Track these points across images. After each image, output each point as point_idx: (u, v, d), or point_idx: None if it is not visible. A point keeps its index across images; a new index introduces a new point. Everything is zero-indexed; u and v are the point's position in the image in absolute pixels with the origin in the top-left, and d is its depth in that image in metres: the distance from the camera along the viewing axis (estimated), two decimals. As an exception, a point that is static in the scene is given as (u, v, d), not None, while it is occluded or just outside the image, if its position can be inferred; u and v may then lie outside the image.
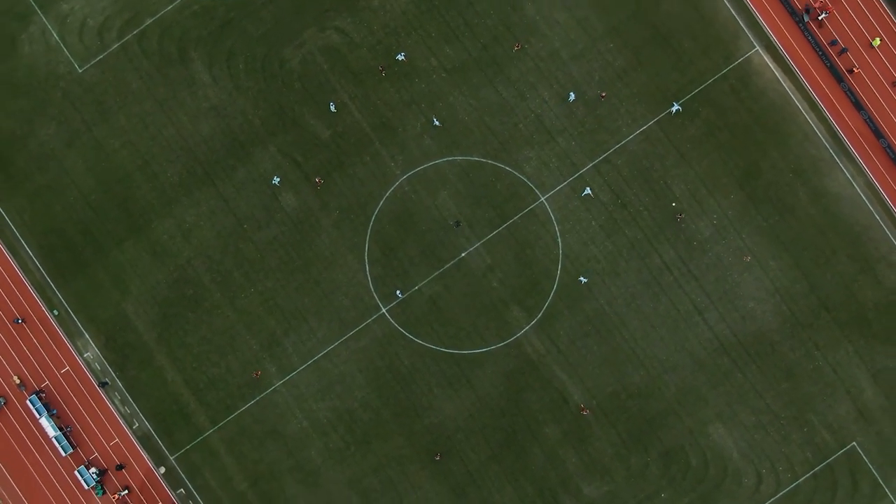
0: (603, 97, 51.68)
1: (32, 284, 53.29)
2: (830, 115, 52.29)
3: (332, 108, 52.23)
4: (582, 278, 51.67)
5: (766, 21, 52.36)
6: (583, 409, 51.68)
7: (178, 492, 52.95)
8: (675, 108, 51.30)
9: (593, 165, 52.23)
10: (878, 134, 52.10)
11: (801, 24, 52.16)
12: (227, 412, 52.64)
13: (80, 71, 53.08)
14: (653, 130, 52.20)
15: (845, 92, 52.19)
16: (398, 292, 52.00)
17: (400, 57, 52.13)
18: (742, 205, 52.24)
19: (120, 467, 52.88)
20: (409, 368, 52.59)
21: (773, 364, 51.98)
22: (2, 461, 52.82)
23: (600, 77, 52.21)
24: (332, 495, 52.36)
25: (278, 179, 52.13)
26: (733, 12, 52.43)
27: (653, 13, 52.52)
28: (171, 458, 52.95)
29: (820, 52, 52.14)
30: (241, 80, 52.95)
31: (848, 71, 51.97)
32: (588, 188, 51.69)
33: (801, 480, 51.45)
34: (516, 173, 52.35)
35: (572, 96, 51.98)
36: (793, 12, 52.30)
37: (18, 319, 52.99)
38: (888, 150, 52.13)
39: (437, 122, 52.05)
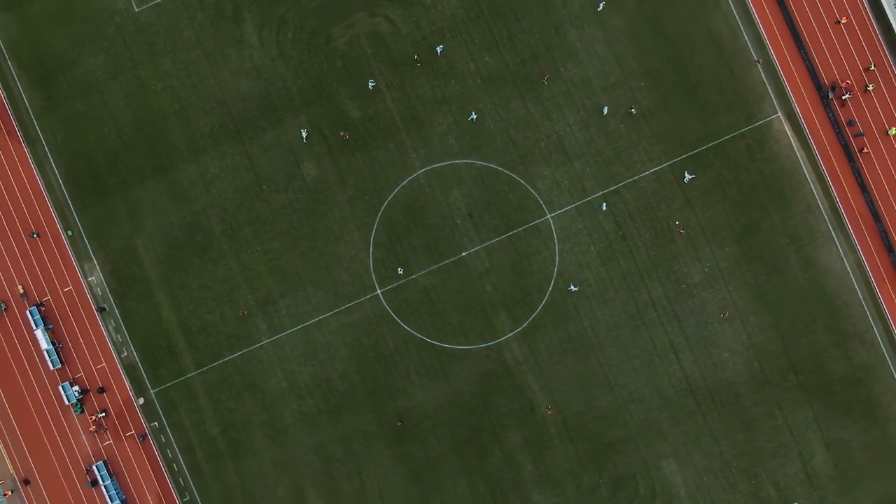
0: (633, 112, 53.54)
1: (53, 203, 55.48)
2: (835, 191, 54.48)
3: (370, 86, 54.26)
4: (572, 286, 53.86)
5: (793, 90, 54.53)
6: (548, 409, 53.91)
7: (151, 424, 55.27)
8: (688, 177, 53.45)
9: (603, 194, 54.44)
10: (876, 217, 54.32)
11: (824, 100, 54.35)
12: (212, 358, 54.94)
13: (137, 10, 55.22)
14: (665, 172, 54.41)
15: (854, 172, 54.39)
16: (399, 269, 54.12)
17: (438, 49, 54.22)
18: (735, 259, 54.47)
19: (101, 391, 55.17)
20: (392, 351, 54.88)
21: (734, 414, 54.27)
22: (-8, 363, 55.20)
23: (626, 112, 54.36)
24: (296, 455, 54.70)
25: (306, 133, 53.96)
26: (763, 76, 54.59)
27: (687, 62, 54.67)
28: (152, 391, 55.25)
29: (837, 130, 54.35)
30: (287, 49, 55.12)
31: (859, 150, 54.13)
32: (605, 203, 53.81)
33: (739, 528, 53.87)
34: (529, 187, 54.56)
35: (606, 110, 54.01)
36: (819, 87, 54.47)
37: (34, 233, 55.21)
38: (883, 235, 54.34)
39: (473, 116, 54.08)
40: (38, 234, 55.26)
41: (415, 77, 54.73)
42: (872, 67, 53.90)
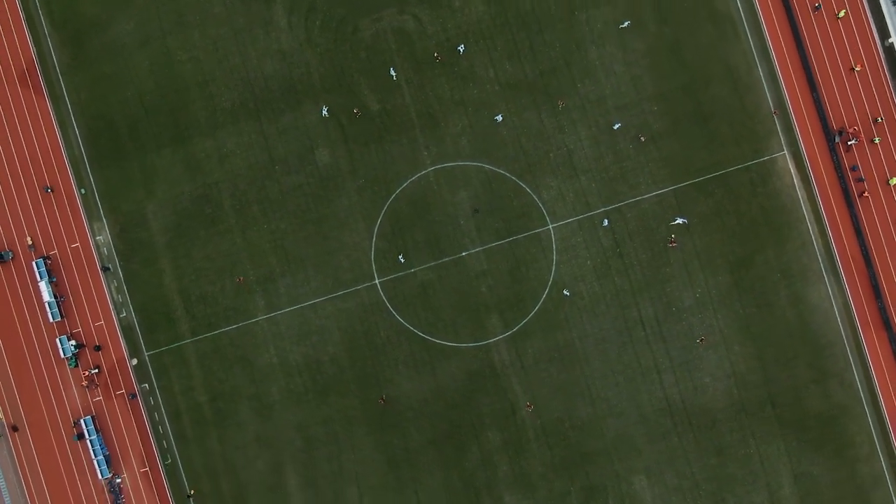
0: (642, 139, 54.89)
1: (70, 159, 56.75)
2: (831, 233, 55.77)
3: (392, 74, 55.38)
4: (566, 291, 55.14)
5: (801, 130, 55.79)
6: (528, 406, 55.15)
7: (142, 385, 56.58)
8: (679, 220, 54.85)
9: (605, 210, 55.74)
10: (868, 262, 55.62)
11: (830, 143, 55.63)
12: (208, 328, 56.24)
13: (172, -19, 56.54)
14: (668, 196, 55.70)
15: (851, 216, 55.69)
16: (400, 257, 55.32)
17: (460, 49, 55.40)
18: (727, 288, 55.77)
19: (97, 348, 56.45)
20: (384, 341, 56.18)
21: (709, 438, 55.61)
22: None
23: (635, 131, 55.64)
24: (279, 431, 56.03)
25: (326, 110, 55.16)
26: (773, 106, 55.82)
27: (701, 91, 55.92)
28: (146, 353, 56.55)
29: (839, 174, 55.64)
30: (314, 35, 56.35)
31: (859, 194, 55.37)
32: (606, 220, 55.13)
33: (701, 549, 55.27)
34: (534, 196, 55.84)
35: (618, 125, 55.31)
36: (827, 130, 55.75)
37: (48, 188, 56.48)
38: (873, 281, 55.65)
39: (499, 119, 55.30)
40: (51, 189, 56.52)
41: (435, 77, 55.97)
42: (881, 119, 55.15)
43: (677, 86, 56.06)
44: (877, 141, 55.15)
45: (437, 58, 55.73)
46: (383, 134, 56.36)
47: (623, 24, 55.62)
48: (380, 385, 55.93)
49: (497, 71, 56.18)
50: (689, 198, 55.87)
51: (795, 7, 55.66)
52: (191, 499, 55.84)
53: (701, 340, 55.18)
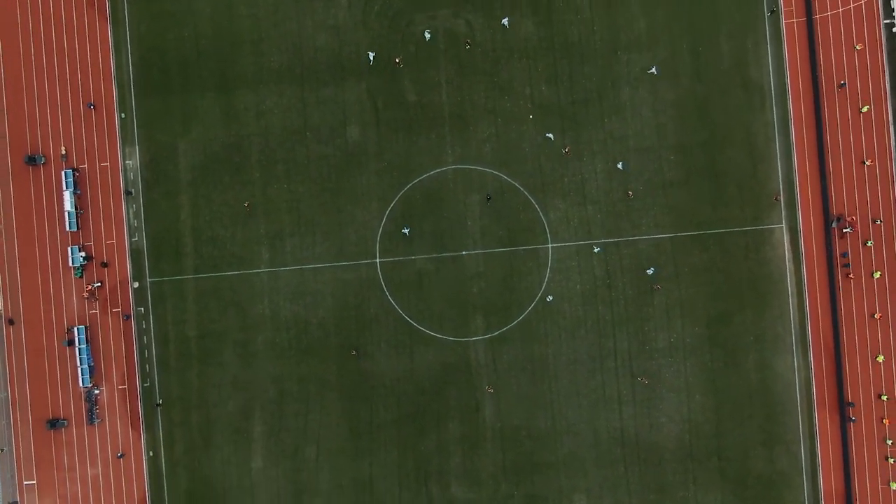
0: (630, 195, 57.84)
1: (117, 83, 59.55)
2: (809, 311, 58.64)
3: (426, 35, 57.95)
4: (549, 297, 58.04)
5: (802, 208, 58.65)
6: (489, 389, 57.98)
7: (138, 308, 59.46)
8: (650, 271, 58.06)
9: (604, 242, 58.59)
10: (837, 346, 58.45)
11: (827, 227, 58.49)
12: (212, 269, 59.13)
13: (248, -62, 59.35)
14: (665, 242, 58.57)
15: (831, 300, 58.56)
16: (404, 229, 58.07)
17: (504, 21, 58.23)
18: (701, 340, 58.66)
19: (104, 265, 59.32)
20: (372, 317, 59.08)
21: (653, 475, 58.55)
22: (16, 206, 59.21)
23: (647, 177, 58.51)
24: (256, 379, 58.97)
25: (373, 56, 57.63)
26: (781, 182, 58.72)
27: (718, 151, 58.74)
28: (148, 279, 59.45)
29: (829, 257, 58.51)
30: (370, 19, 59.15)
31: (844, 276, 58.13)
32: (598, 247, 58.01)
33: (622, 576, 58.24)
34: (541, 214, 58.70)
35: (621, 166, 58.16)
36: (827, 214, 58.61)
37: (91, 104, 59.30)
38: (837, 364, 58.48)
39: (549, 136, 58.17)
40: (93, 106, 59.29)
41: (474, 83, 58.80)
42: (879, 222, 57.96)
43: (697, 140, 58.87)
44: (869, 244, 57.96)
45: (467, 44, 58.18)
46: (413, 125, 59.17)
47: (651, 69, 58.36)
48: (359, 357, 58.81)
49: (533, 90, 58.99)
50: (684, 248, 58.73)
51: (822, 85, 58.41)
52: (159, 407, 58.57)
53: (641, 379, 57.98)
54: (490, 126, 58.97)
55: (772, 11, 58.63)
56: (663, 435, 58.63)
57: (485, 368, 58.88)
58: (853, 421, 58.14)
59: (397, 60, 58.35)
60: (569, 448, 58.68)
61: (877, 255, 58.53)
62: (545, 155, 58.79)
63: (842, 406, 58.62)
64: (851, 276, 58.15)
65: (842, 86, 58.24)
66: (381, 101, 59.16)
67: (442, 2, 58.96)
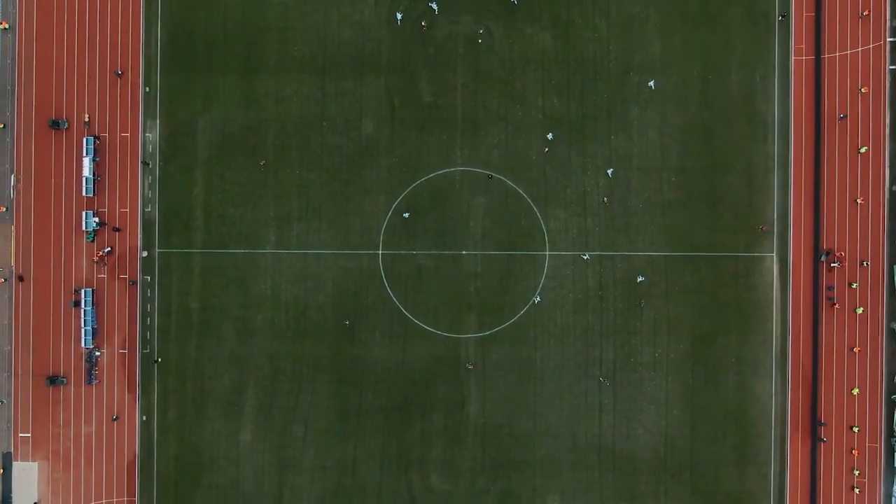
0: (605, 201, 60.02)
1: (144, 57, 61.40)
2: (791, 339, 60.64)
3: (433, 7, 59.92)
4: (537, 298, 59.99)
5: (794, 240, 60.61)
6: (469, 366, 59.96)
7: (145, 276, 61.38)
8: (640, 279, 59.95)
9: (599, 255, 60.55)
10: (815, 375, 60.45)
11: (816, 260, 60.46)
12: (219, 245, 61.07)
13: (285, -70, 61.22)
14: (659, 260, 60.53)
15: (813, 330, 60.55)
16: (405, 214, 60.00)
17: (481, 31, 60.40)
18: (684, 357, 60.65)
19: (117, 229, 61.23)
20: (369, 306, 61.05)
21: (626, 483, 60.56)
22: (36, 167, 61.09)
23: (647, 196, 60.45)
24: (251, 356, 60.94)
25: (401, 16, 59.11)
26: (776, 213, 60.65)
27: (719, 177, 60.67)
28: (157, 249, 61.37)
29: (815, 289, 60.47)
30: (393, 20, 61.01)
31: (828, 307, 60.09)
32: (587, 255, 60.00)
33: (587, 577, 60.31)
34: (541, 221, 60.66)
35: (610, 173, 60.11)
36: (817, 247, 60.58)
37: (119, 72, 61.14)
38: (814, 393, 60.48)
39: (549, 136, 60.06)
40: (121, 74, 61.00)
41: (488, 90, 60.70)
42: (866, 264, 59.89)
43: (699, 165, 60.79)
44: (854, 286, 59.97)
45: (480, 39, 60.24)
46: (427, 125, 61.07)
47: (650, 82, 60.11)
48: (353, 343, 60.85)
49: (545, 101, 60.89)
50: (677, 267, 60.68)
51: (825, 123, 60.32)
52: (156, 364, 60.72)
53: (604, 381, 60.05)
54: (500, 132, 60.88)
55: (783, 16, 60.31)
56: (639, 445, 60.63)
57: (473, 366, 60.78)
58: (824, 441, 60.08)
59: (423, 24, 59.97)
60: (547, 450, 60.68)
61: (861, 292, 60.49)
62: (550, 165, 60.72)
63: (814, 433, 60.62)
64: (836, 305, 60.01)
65: (842, 118, 60.06)
66: (397, 99, 61.05)
67: (465, 9, 60.81)
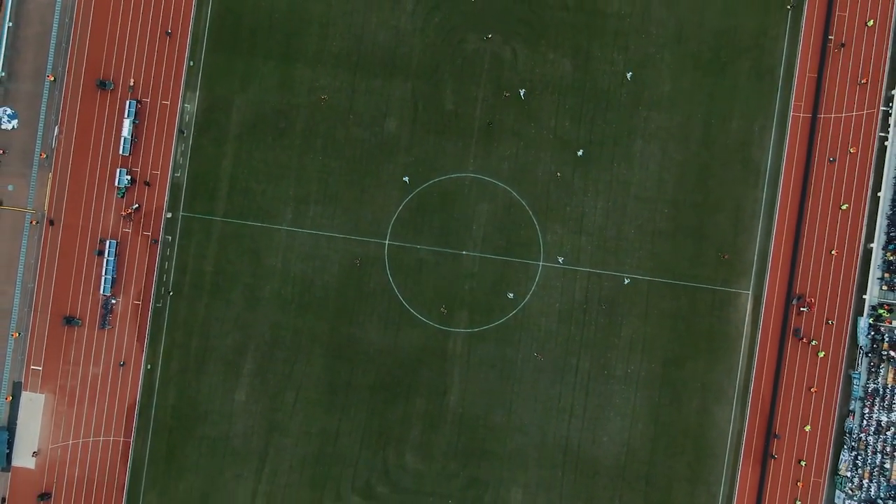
0: (558, 176, 64.09)
1: (193, 32, 65.81)
2: (755, 372, 65.22)
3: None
4: (510, 294, 64.61)
5: (770, 281, 65.15)
6: (442, 309, 64.52)
7: (166, 236, 65.89)
8: (627, 280, 64.60)
9: (588, 272, 65.14)
10: (772, 408, 65.06)
11: (787, 303, 65.08)
12: (239, 216, 65.60)
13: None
14: (642, 283, 65.13)
15: (776, 366, 65.16)
16: (405, 178, 64.58)
17: (521, 92, 64.69)
18: (654, 376, 65.27)
19: (147, 183, 65.68)
20: (370, 291, 65.60)
21: (584, 485, 65.22)
22: (79, 122, 65.50)
23: (640, 223, 65.00)
24: (255, 322, 65.53)
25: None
26: (756, 254, 65.22)
27: (708, 214, 65.20)
28: (181, 213, 65.89)
29: (783, 329, 65.09)
30: (428, 28, 65.48)
31: (794, 332, 64.61)
32: (562, 258, 64.61)
33: (538, 566, 65.02)
34: (539, 234, 65.22)
35: (581, 153, 64.73)
36: (791, 291, 65.15)
37: (168, 32, 65.41)
38: (769, 424, 65.07)
39: (579, 152, 64.49)
40: (170, 34, 65.19)
41: (506, 106, 65.20)
42: (831, 322, 64.48)
43: (691, 201, 65.35)
44: (813, 343, 64.60)
45: (505, 96, 64.79)
46: (445, 130, 65.59)
47: (628, 73, 64.58)
48: (350, 323, 65.44)
49: (557, 123, 65.44)
50: (658, 292, 65.27)
51: (813, 177, 64.84)
52: (170, 295, 65.36)
53: (538, 355, 64.56)
54: (512, 146, 65.41)
55: (791, 6, 64.55)
56: (602, 451, 65.27)
57: (458, 358, 65.44)
58: (774, 458, 64.66)
59: (506, 94, 64.94)
60: (516, 444, 65.31)
61: (825, 338, 65.04)
62: (555, 183, 65.27)
63: (764, 461, 65.27)
64: (804, 338, 64.41)
65: (832, 161, 64.48)
66: (421, 103, 65.54)
67: (495, 26, 65.29)
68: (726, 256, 64.78)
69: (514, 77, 65.48)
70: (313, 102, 65.57)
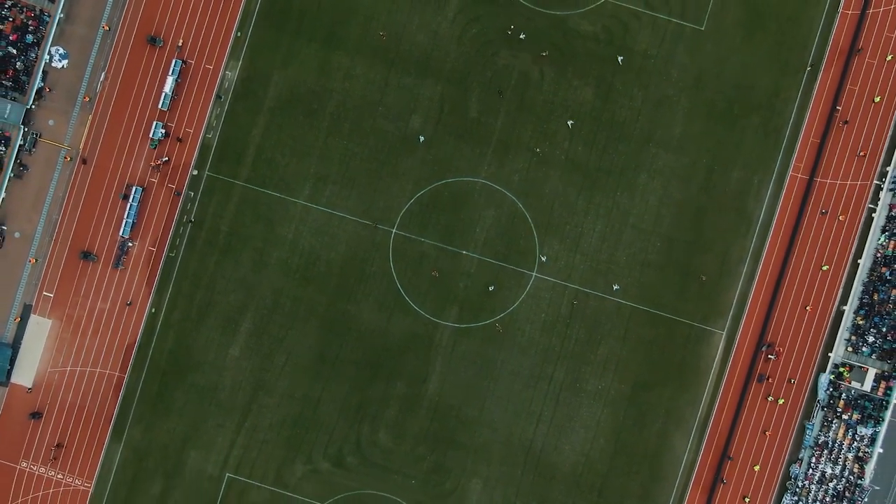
0: (616, 288, 68.37)
1: (243, 9, 69.52)
2: (716, 408, 69.17)
3: (499, 93, 68.08)
4: (491, 287, 68.53)
5: (744, 326, 69.11)
6: (433, 273, 68.18)
7: (189, 192, 69.74)
8: (616, 288, 68.47)
9: (577, 288, 69.09)
10: (727, 443, 69.07)
11: (757, 348, 69.07)
12: (260, 184, 69.48)
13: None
14: (626, 308, 69.07)
15: (737, 407, 69.11)
16: (420, 137, 68.47)
17: (569, 123, 68.54)
18: (622, 397, 69.24)
19: (179, 140, 69.54)
20: (371, 273, 69.52)
21: (541, 486, 69.19)
22: (125, 72, 69.38)
23: (633, 252, 68.92)
24: (259, 285, 69.43)
25: None
26: (736, 298, 69.13)
27: (697, 254, 69.05)
28: (206, 172, 69.73)
29: (749, 373, 69.07)
30: (465, 38, 69.33)
31: (759, 377, 68.59)
32: (545, 257, 68.52)
33: (485, 555, 69.05)
34: (537, 245, 69.13)
35: (570, 123, 68.68)
36: (762, 338, 69.13)
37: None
38: (721, 458, 69.05)
39: (543, 258, 68.34)
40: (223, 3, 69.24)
41: (527, 122, 69.08)
42: (793, 381, 68.46)
43: (684, 239, 69.26)
44: (781, 402, 68.60)
45: (500, 94, 68.59)
46: (465, 135, 69.45)
47: (569, 122, 68.55)
48: (348, 300, 69.35)
49: (571, 146, 69.32)
50: (639, 319, 69.21)
51: (801, 233, 68.69)
52: (189, 224, 69.22)
53: (498, 326, 68.54)
54: (525, 161, 69.29)
55: (811, 66, 68.75)
56: (562, 458, 69.25)
57: (443, 350, 69.39)
58: (724, 483, 68.67)
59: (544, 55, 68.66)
60: (484, 439, 69.27)
61: (787, 387, 69.00)
62: (559, 201, 69.18)
63: (711, 493, 69.28)
64: (770, 378, 68.41)
65: (823, 213, 68.36)
66: (447, 106, 69.41)
67: (527, 47, 69.14)
68: (704, 278, 68.63)
69: (537, 98, 69.31)
70: (347, 90, 69.40)
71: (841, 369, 67.80)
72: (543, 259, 68.69)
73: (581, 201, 69.40)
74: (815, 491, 68.07)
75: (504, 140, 69.42)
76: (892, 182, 67.90)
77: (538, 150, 68.78)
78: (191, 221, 69.26)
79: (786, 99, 69.24)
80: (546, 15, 68.86)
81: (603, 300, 69.27)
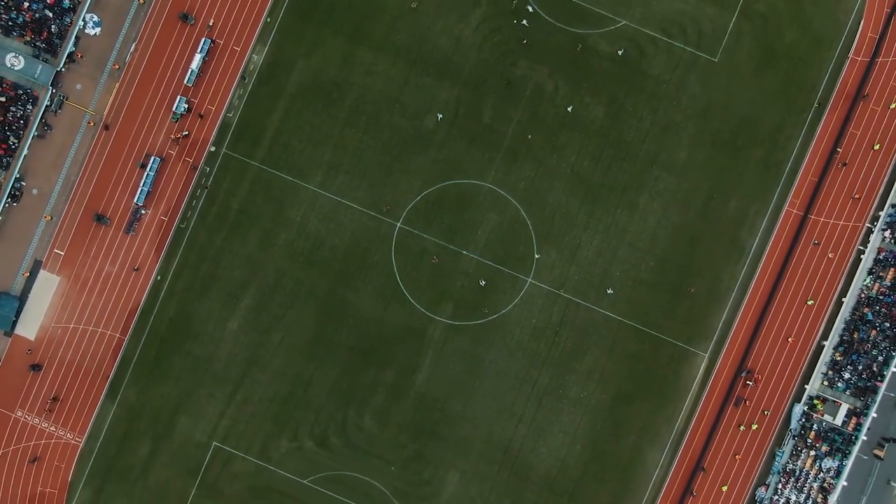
0: (609, 292, 70.66)
1: (276, -6, 72.17)
2: (692, 427, 71.49)
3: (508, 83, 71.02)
4: (482, 281, 70.80)
5: (726, 351, 71.43)
6: (434, 259, 70.07)
7: (205, 167, 71.98)
8: (609, 292, 70.72)
9: (569, 298, 71.35)
10: (699, 461, 71.40)
11: (737, 374, 71.35)
12: (274, 167, 71.73)
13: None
14: (613, 321, 71.36)
15: (712, 426, 71.42)
16: (439, 115, 70.49)
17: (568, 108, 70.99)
18: (602, 407, 71.54)
19: (201, 116, 71.77)
20: (372, 264, 71.77)
21: (515, 487, 71.47)
22: (154, 46, 71.59)
23: (627, 267, 71.18)
24: (263, 263, 71.70)
25: None
26: (721, 323, 71.45)
27: (688, 277, 71.33)
28: (224, 149, 71.99)
29: (727, 396, 71.33)
30: (485, 46, 71.52)
31: (736, 400, 70.89)
32: (538, 255, 70.80)
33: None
34: (535, 253, 71.40)
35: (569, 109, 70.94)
36: (742, 364, 71.41)
37: (250, -1, 71.82)
38: (692, 475, 71.34)
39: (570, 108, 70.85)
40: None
41: (537, 130, 71.28)
42: (767, 413, 70.77)
43: (677, 262, 71.53)
44: (754, 427, 70.90)
45: (507, 84, 70.84)
46: (477, 139, 71.72)
47: (608, 290, 70.83)
48: (347, 287, 71.61)
49: (577, 160, 71.58)
50: (626, 334, 71.50)
51: (791, 265, 70.92)
52: (205, 191, 71.32)
53: (434, 258, 70.39)
54: (532, 170, 71.57)
55: (818, 104, 71.09)
56: (538, 460, 71.54)
57: (434, 344, 71.66)
58: (693, 496, 71.01)
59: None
60: (465, 433, 71.56)
61: (761, 418, 71.33)
62: (560, 212, 71.46)
63: (678, 508, 71.83)
64: (748, 401, 70.72)
65: (816, 244, 70.49)
66: (462, 109, 71.68)
67: (546, 59, 71.38)
68: (692, 290, 70.92)
69: (549, 111, 71.57)
70: (367, 84, 71.63)
71: (815, 401, 70.07)
72: (537, 256, 70.75)
73: (582, 214, 71.65)
74: (779, 516, 70.47)
75: (514, 148, 71.66)
76: (883, 226, 70.16)
77: (530, 136, 70.97)
78: (206, 188, 71.29)
79: (789, 136, 71.51)
80: (566, 31, 71.09)
81: (591, 312, 71.53)
